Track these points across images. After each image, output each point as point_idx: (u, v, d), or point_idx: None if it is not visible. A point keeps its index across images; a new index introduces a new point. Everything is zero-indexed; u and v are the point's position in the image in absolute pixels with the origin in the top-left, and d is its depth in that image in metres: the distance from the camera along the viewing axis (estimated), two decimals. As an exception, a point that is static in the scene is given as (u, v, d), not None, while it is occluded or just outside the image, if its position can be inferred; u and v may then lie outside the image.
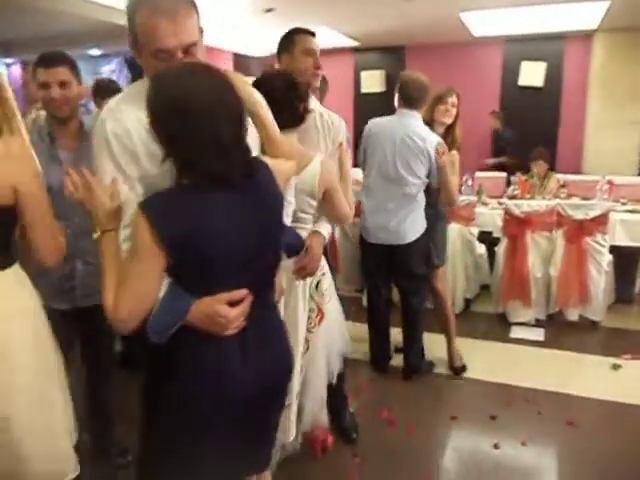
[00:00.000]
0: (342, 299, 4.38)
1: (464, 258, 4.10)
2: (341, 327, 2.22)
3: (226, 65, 7.08)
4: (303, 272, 1.98)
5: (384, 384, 3.22)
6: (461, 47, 6.50)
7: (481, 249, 4.31)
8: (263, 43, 6.68)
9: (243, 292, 1.25)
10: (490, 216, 4.32)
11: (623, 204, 4.46)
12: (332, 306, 2.13)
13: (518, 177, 5.10)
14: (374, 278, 3.23)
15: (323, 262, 2.09)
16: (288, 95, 1.90)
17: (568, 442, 2.59)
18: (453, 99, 3.01)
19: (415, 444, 2.58)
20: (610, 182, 4.59)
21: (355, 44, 6.50)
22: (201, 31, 1.34)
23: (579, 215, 3.75)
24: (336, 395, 2.56)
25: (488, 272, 4.31)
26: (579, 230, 3.76)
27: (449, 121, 3.03)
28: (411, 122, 2.91)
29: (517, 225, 3.87)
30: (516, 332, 3.88)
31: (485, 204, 4.62)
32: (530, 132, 6.21)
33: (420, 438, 2.62)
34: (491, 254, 4.29)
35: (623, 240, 4.06)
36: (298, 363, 1.99)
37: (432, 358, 3.32)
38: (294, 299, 1.99)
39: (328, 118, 2.21)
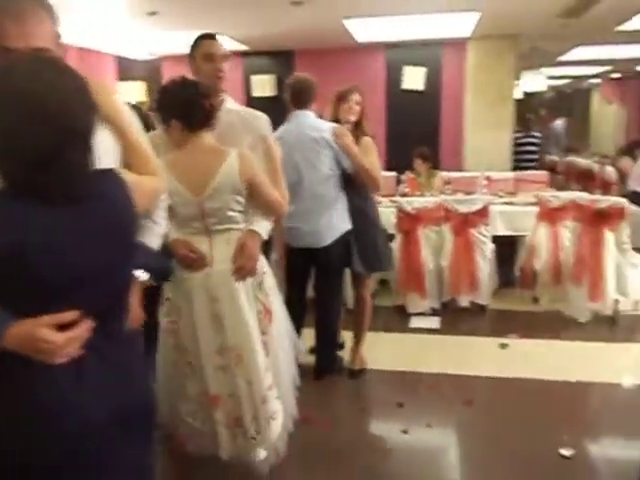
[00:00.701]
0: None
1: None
2: (288, 326, 2.23)
3: (108, 69, 6.76)
4: (242, 272, 1.97)
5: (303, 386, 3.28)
6: (348, 52, 6.73)
7: (378, 246, 4.50)
8: (147, 46, 6.47)
9: (71, 314, 1.10)
10: (384, 214, 4.50)
11: (500, 197, 4.88)
12: (278, 305, 2.13)
13: (407, 176, 5.39)
14: (295, 281, 3.24)
15: (264, 261, 2.09)
16: (189, 95, 1.93)
17: (467, 419, 2.80)
18: (356, 97, 3.10)
19: (330, 439, 2.65)
20: (488, 177, 5.00)
21: (244, 48, 6.50)
22: (58, 37, 1.28)
23: (463, 209, 4.06)
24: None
25: (386, 267, 4.51)
26: (464, 223, 4.06)
27: (353, 118, 3.10)
28: (304, 120, 2.99)
29: (409, 221, 4.09)
30: (415, 322, 4.10)
31: (379, 203, 4.82)
32: (415, 133, 6.57)
33: (335, 433, 2.70)
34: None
35: (502, 230, 4.44)
36: (262, 366, 1.99)
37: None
38: (237, 302, 1.96)
39: (246, 114, 2.24)
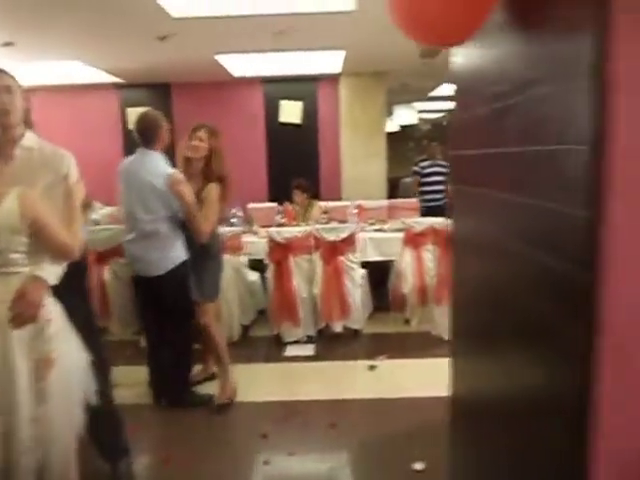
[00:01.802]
0: (117, 344, 4.25)
1: (236, 287, 4.25)
2: (82, 375, 2.11)
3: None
4: (19, 320, 1.85)
5: (163, 423, 3.18)
6: (226, 86, 6.82)
7: (254, 276, 4.53)
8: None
9: None
10: (260, 244, 4.57)
11: (371, 224, 5.12)
12: (66, 352, 2.02)
13: (284, 207, 5.50)
14: (145, 312, 3.27)
15: (51, 307, 1.99)
16: None
17: (329, 443, 2.85)
18: (200, 134, 3.15)
19: (189, 477, 2.58)
20: (359, 206, 5.22)
21: (117, 80, 6.38)
22: None
23: (331, 237, 4.20)
24: (109, 448, 2.51)
25: (263, 297, 4.53)
26: (333, 251, 4.20)
27: (196, 155, 3.15)
28: (147, 160, 3.05)
29: (281, 251, 4.16)
30: (290, 351, 4.14)
31: (256, 233, 4.88)
32: (295, 164, 6.76)
33: (194, 470, 2.63)
34: (265, 280, 4.53)
35: (373, 256, 4.65)
36: (25, 418, 1.86)
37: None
38: (6, 351, 1.84)
39: (48, 152, 2.11)
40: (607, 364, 0.86)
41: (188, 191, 3.00)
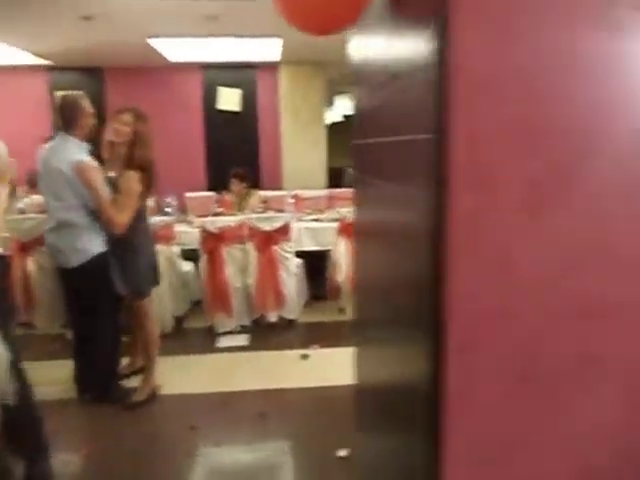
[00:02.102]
0: (42, 338, 4.10)
1: (169, 277, 4.16)
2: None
3: None
4: None
5: (86, 418, 3.10)
6: (162, 71, 6.63)
7: (188, 266, 4.46)
8: None
9: None
10: (194, 234, 4.49)
11: (308, 214, 5.13)
12: None
13: (222, 196, 5.43)
14: (69, 303, 3.17)
15: None
16: None
17: (259, 432, 2.86)
18: (125, 118, 2.99)
19: (114, 472, 2.53)
20: (296, 196, 5.21)
21: (46, 62, 6.08)
22: None
23: (265, 227, 4.18)
24: (26, 446, 2.41)
25: (199, 288, 4.47)
26: (267, 240, 4.18)
27: (118, 139, 3.00)
28: (59, 146, 2.95)
29: (213, 240, 4.11)
30: (223, 341, 4.11)
31: (191, 223, 4.79)
32: (235, 153, 6.68)
33: (119, 465, 2.58)
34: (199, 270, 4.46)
35: (309, 245, 4.66)
36: None
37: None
38: None
39: None
40: (452, 355, 0.89)
41: (99, 179, 2.89)
